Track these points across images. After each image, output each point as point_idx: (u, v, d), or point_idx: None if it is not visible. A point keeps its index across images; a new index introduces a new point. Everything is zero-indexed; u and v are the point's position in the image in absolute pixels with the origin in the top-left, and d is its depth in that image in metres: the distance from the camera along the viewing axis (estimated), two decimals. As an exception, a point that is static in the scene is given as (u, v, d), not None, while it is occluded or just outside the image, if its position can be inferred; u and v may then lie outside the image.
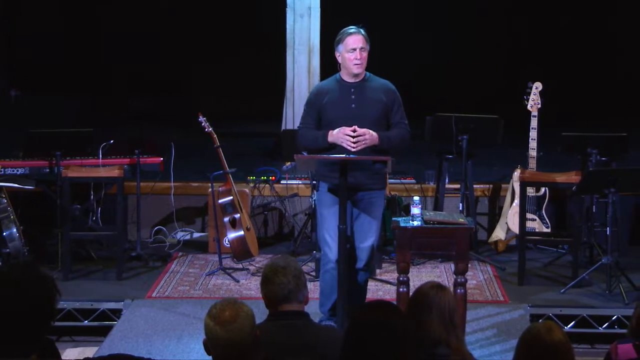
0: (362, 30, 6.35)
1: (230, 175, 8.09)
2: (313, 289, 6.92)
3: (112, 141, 8.28)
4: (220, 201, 8.06)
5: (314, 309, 6.39)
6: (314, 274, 7.72)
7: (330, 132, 6.25)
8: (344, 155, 6.08)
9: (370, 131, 6.22)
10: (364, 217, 6.37)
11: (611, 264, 7.30)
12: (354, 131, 6.19)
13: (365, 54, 6.32)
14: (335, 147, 6.24)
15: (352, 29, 6.36)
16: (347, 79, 6.38)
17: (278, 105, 9.88)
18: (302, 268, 4.36)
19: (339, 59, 6.38)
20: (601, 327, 7.05)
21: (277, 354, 3.90)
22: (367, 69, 6.40)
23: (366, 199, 6.37)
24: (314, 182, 6.49)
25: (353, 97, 6.35)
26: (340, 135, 6.20)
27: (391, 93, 6.44)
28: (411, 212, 6.09)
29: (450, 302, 4.10)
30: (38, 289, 3.26)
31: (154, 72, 12.73)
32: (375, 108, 6.35)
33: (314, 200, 7.62)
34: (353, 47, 6.28)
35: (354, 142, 6.18)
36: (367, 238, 6.37)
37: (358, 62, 6.29)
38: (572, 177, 7.71)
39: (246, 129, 11.85)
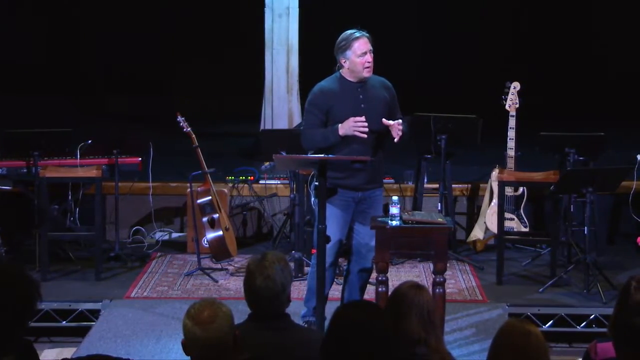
0: (365, 33, 6.32)
1: (209, 175, 8.08)
2: (293, 289, 6.90)
3: (90, 141, 8.25)
4: (199, 201, 8.04)
5: (295, 310, 6.38)
6: (292, 274, 7.70)
7: (340, 125, 6.18)
8: (322, 155, 6.06)
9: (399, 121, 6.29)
10: (369, 215, 6.35)
11: (589, 263, 7.34)
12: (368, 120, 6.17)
13: (372, 56, 6.31)
14: (350, 145, 6.20)
15: (355, 32, 6.30)
16: (351, 79, 6.35)
17: (257, 105, 9.87)
18: (287, 266, 4.31)
19: (346, 64, 6.30)
20: (579, 326, 7.09)
21: (257, 355, 3.89)
22: None
23: (371, 197, 6.41)
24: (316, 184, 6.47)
25: (361, 96, 6.34)
26: (351, 124, 6.15)
27: (391, 90, 6.50)
28: (390, 212, 6.09)
29: (428, 301, 4.10)
30: (17, 289, 3.24)
31: (133, 71, 12.68)
32: (382, 106, 6.38)
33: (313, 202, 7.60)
34: (363, 51, 6.25)
35: (398, 131, 6.17)
36: (373, 236, 6.34)
37: (369, 65, 6.28)
38: (550, 177, 7.74)
39: (225, 129, 11.82)
